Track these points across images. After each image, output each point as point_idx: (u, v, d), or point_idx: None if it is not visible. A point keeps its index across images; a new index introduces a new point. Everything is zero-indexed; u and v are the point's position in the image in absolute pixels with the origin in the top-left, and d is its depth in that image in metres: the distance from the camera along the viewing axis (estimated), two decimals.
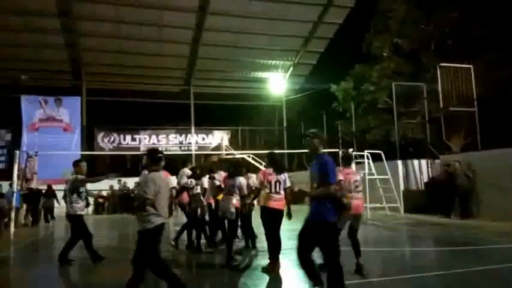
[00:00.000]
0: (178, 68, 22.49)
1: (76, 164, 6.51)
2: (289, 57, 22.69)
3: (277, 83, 23.96)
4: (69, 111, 21.57)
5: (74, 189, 6.35)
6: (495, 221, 9.84)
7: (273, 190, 5.59)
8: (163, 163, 4.40)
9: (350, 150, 14.45)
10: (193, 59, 21.58)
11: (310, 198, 3.82)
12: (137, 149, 23.23)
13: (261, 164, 22.62)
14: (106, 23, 18.51)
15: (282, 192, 5.67)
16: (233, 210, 6.11)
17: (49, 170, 16.81)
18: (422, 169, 14.66)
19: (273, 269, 5.43)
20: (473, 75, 12.81)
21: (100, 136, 22.85)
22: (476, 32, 14.22)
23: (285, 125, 25.74)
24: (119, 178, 18.55)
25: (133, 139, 23.65)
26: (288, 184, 5.79)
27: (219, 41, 20.37)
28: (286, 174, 5.91)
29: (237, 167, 6.66)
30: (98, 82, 22.33)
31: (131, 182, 18.57)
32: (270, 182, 5.61)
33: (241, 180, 6.32)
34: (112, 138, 23.09)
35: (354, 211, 5.20)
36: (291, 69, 23.52)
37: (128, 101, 22.99)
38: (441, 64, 13.41)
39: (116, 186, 18.50)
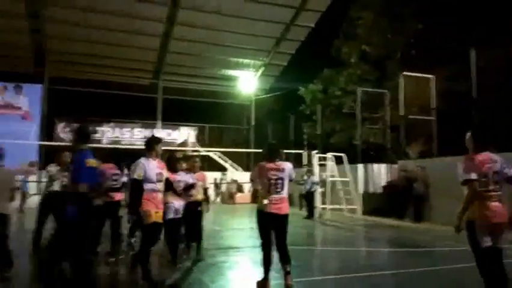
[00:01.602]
0: (147, 60, 22.05)
1: None
2: (260, 57, 22.84)
3: (247, 82, 24.06)
4: (29, 99, 20.65)
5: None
6: (445, 225, 10.39)
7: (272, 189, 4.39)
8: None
9: (314, 152, 14.82)
10: (163, 53, 21.24)
11: None
12: (100, 141, 22.59)
13: (226, 162, 22.69)
14: (74, 10, 17.86)
15: (284, 192, 4.44)
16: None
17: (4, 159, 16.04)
18: (381, 173, 15.23)
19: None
20: (433, 85, 13.45)
21: (60, 126, 22.00)
22: (438, 44, 14.97)
23: (253, 124, 25.89)
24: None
25: (96, 131, 22.94)
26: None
27: (191, 37, 20.17)
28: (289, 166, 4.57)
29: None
30: (62, 71, 21.51)
31: None
32: (269, 180, 4.40)
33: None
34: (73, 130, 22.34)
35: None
36: (262, 69, 23.69)
37: (92, 92, 22.25)
38: (404, 73, 14.00)
39: None
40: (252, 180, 4.94)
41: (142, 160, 4.41)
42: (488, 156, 3.49)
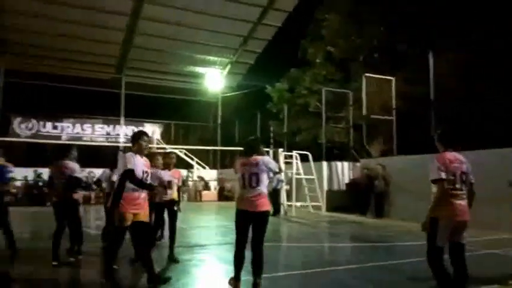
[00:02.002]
0: (109, 55, 21.37)
1: None
2: (227, 54, 22.76)
3: (214, 80, 23.92)
4: None
5: None
6: (404, 220, 10.86)
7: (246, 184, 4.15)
8: None
9: (280, 150, 14.99)
10: (126, 47, 20.69)
11: None
12: (59, 137, 21.70)
13: (192, 159, 22.48)
14: (33, 1, 16.98)
15: (261, 187, 4.14)
16: None
17: None
18: (344, 171, 15.67)
19: None
20: (393, 87, 13.98)
21: (16, 121, 20.96)
22: (399, 48, 15.56)
23: (219, 122, 25.78)
24: (35, 168, 17.23)
25: (55, 127, 22.05)
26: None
27: (156, 32, 19.76)
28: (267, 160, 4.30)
29: None
30: (20, 64, 20.45)
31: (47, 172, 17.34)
32: (243, 175, 4.18)
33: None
34: (31, 125, 21.30)
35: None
36: (229, 66, 23.62)
37: (51, 86, 21.31)
38: (367, 74, 14.45)
39: (31, 177, 17.20)
40: (235, 171, 4.37)
41: (131, 153, 4.16)
42: (456, 156, 3.69)
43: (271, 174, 4.24)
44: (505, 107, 11.75)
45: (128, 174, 4.02)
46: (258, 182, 4.10)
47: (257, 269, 4.02)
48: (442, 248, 3.58)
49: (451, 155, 3.69)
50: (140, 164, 4.16)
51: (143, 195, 4.18)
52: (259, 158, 4.22)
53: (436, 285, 3.60)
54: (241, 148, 4.63)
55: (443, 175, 3.54)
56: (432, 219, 3.58)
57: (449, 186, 3.56)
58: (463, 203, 3.60)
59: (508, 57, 11.72)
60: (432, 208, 3.59)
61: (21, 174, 16.24)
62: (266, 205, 4.12)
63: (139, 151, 4.24)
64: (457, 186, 3.59)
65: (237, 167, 4.25)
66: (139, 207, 4.13)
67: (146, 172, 4.23)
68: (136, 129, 23.67)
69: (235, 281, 4.13)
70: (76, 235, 5.75)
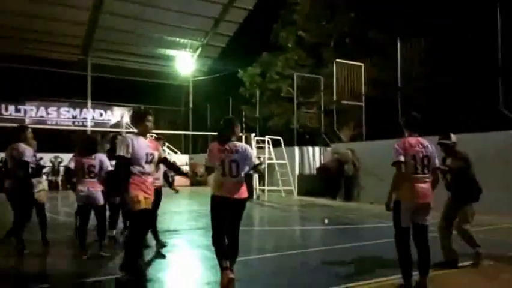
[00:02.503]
0: (74, 35, 20.50)
1: None
2: (198, 37, 22.35)
3: (184, 63, 23.47)
4: None
5: None
6: (372, 204, 11.24)
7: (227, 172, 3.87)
8: None
9: (253, 135, 15.03)
10: (92, 28, 19.89)
11: None
12: (22, 121, 20.76)
13: (164, 145, 22.13)
14: None
15: (242, 174, 3.94)
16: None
17: None
18: (315, 155, 15.93)
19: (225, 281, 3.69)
20: (363, 72, 14.23)
21: None
22: (368, 34, 15.78)
23: (191, 106, 25.44)
24: None
25: (17, 110, 21.07)
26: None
27: (123, 11, 19.08)
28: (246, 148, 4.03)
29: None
30: None
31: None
32: (223, 161, 3.88)
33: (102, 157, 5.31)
34: None
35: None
36: (200, 49, 23.23)
37: (14, 68, 20.26)
38: (337, 60, 14.62)
39: None
40: (206, 167, 4.06)
41: (131, 136, 3.89)
42: (418, 140, 3.81)
43: (247, 168, 3.96)
44: (469, 93, 12.24)
45: (121, 163, 3.78)
46: (238, 170, 3.85)
47: (233, 255, 3.89)
48: (407, 228, 3.73)
49: (412, 139, 3.81)
50: (143, 146, 3.86)
51: (150, 180, 3.93)
52: (238, 145, 3.94)
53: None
54: (215, 133, 4.38)
55: (402, 158, 3.67)
56: (396, 202, 3.74)
57: (409, 170, 3.68)
58: (424, 186, 3.72)
59: (474, 42, 12.08)
60: (392, 190, 3.74)
61: None
62: (245, 192, 3.96)
63: (144, 132, 3.98)
64: (418, 170, 3.70)
65: (214, 153, 3.89)
66: (148, 192, 3.87)
67: (151, 154, 3.91)
68: (104, 113, 23.05)
69: (226, 271, 3.68)
70: (40, 222, 5.60)
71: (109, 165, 5.24)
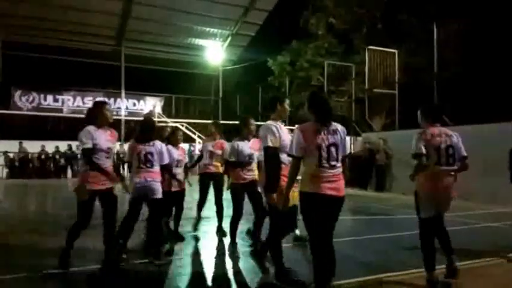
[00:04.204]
0: (108, 26, 21.01)
1: None
2: (227, 26, 22.34)
3: (214, 52, 23.57)
4: None
5: None
6: (404, 194, 10.99)
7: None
8: None
9: (282, 124, 14.95)
10: (125, 18, 20.30)
11: None
12: (60, 110, 21.66)
13: (194, 133, 22.51)
14: None
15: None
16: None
17: None
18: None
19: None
20: (396, 60, 13.79)
21: (17, 95, 20.84)
22: (402, 19, 15.25)
23: (220, 95, 25.61)
24: (20, 141, 17.15)
25: (55, 100, 21.95)
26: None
27: (154, 2, 19.34)
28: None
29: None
30: (17, 35, 20.16)
31: (51, 146, 17.46)
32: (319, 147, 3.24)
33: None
34: (31, 98, 21.20)
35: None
36: (229, 39, 23.23)
37: (51, 58, 21.09)
38: (370, 47, 14.24)
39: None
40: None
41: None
42: (440, 130, 3.67)
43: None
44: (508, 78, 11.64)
45: (272, 154, 3.56)
46: (337, 157, 3.16)
47: (333, 267, 3.28)
48: (428, 219, 3.60)
49: (435, 129, 3.67)
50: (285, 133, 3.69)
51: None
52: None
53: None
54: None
55: (422, 149, 3.55)
56: (416, 192, 3.70)
57: (432, 162, 3.54)
58: (446, 178, 3.56)
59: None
60: (416, 182, 3.66)
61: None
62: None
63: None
64: (442, 160, 3.55)
65: (308, 135, 3.12)
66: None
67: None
68: (137, 103, 23.62)
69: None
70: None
71: (167, 157, 4.65)
